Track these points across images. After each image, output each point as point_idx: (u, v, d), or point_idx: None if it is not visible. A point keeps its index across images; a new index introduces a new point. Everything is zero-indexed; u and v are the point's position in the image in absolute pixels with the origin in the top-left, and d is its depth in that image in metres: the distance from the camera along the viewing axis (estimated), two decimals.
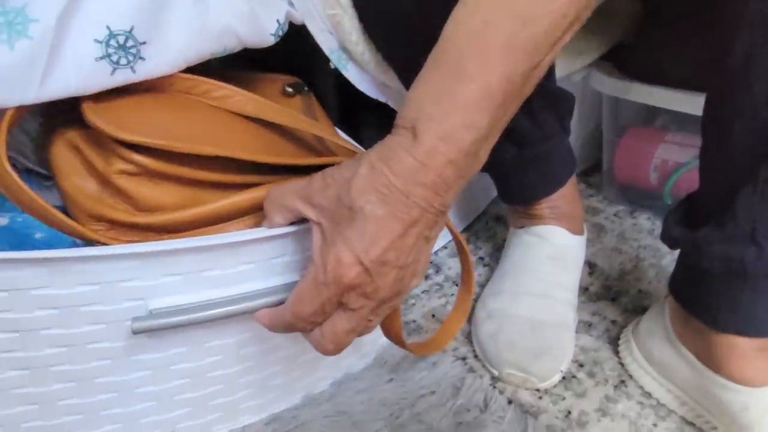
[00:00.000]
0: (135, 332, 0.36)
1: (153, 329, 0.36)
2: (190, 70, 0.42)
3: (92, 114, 0.36)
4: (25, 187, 0.34)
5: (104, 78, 0.37)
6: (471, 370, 0.53)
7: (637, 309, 0.59)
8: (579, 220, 0.60)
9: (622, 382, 0.52)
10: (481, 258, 0.69)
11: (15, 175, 0.34)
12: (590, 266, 0.65)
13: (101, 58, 0.36)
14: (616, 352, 0.55)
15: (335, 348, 0.36)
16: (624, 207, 0.76)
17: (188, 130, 0.39)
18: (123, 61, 0.37)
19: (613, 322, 0.59)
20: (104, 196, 0.37)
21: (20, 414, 0.39)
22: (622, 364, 0.54)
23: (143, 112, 0.39)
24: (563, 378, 0.52)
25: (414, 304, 0.62)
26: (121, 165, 0.37)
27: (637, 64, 0.67)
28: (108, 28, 0.37)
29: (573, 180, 0.59)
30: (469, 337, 0.57)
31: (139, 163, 0.37)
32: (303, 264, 0.41)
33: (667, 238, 0.47)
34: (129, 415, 0.42)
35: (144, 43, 0.38)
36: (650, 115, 0.72)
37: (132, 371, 0.40)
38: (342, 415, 0.47)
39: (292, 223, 0.38)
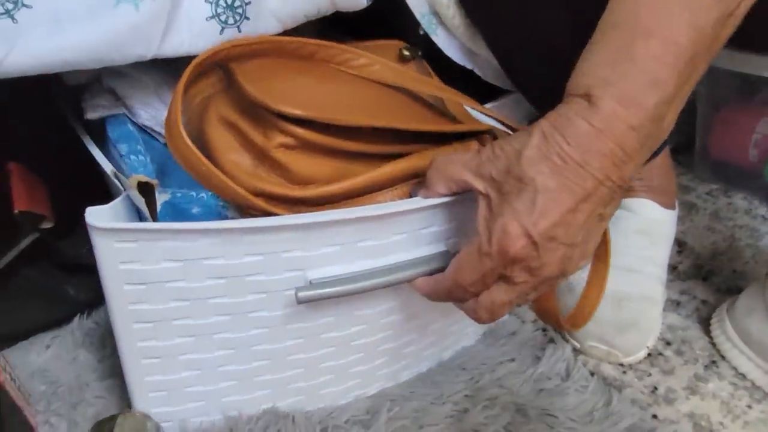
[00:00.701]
0: (300, 302, 0.36)
1: (316, 299, 0.37)
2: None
3: (250, 87, 0.36)
4: (203, 157, 0.35)
5: (213, 37, 0.39)
6: (551, 340, 0.52)
7: (731, 289, 0.57)
8: (671, 194, 0.57)
9: (713, 362, 0.50)
10: None
11: (191, 144, 0.34)
12: (679, 244, 0.63)
13: (211, 17, 0.38)
14: (707, 333, 0.52)
15: (489, 317, 0.35)
16: (718, 186, 0.72)
17: (338, 100, 0.39)
18: (230, 20, 0.39)
19: (704, 302, 0.56)
20: (260, 171, 0.38)
21: (184, 379, 0.41)
22: (713, 344, 0.51)
23: (296, 84, 0.39)
24: (649, 354, 0.51)
25: None
26: (281, 138, 0.37)
27: (740, 31, 0.63)
28: None
29: (667, 151, 0.56)
30: None
31: (299, 136, 0.37)
32: (449, 234, 0.41)
33: None
34: (278, 381, 0.43)
35: (249, 3, 0.39)
36: (750, 88, 0.68)
37: (286, 339, 0.41)
38: (423, 376, 0.48)
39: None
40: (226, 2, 0.39)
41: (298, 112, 0.36)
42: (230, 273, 0.37)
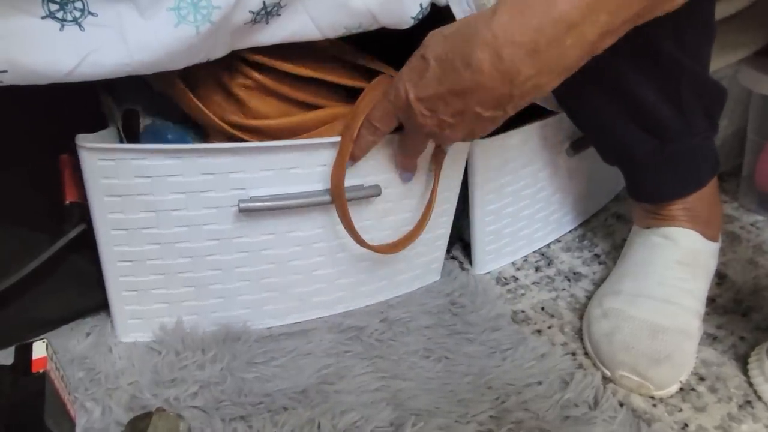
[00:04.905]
0: (241, 211, 0.46)
1: (254, 210, 0.47)
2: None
3: None
4: (189, 92, 0.45)
5: (250, 38, 0.42)
6: (580, 366, 0.52)
7: None
8: (716, 226, 0.56)
9: (748, 402, 0.49)
10: (597, 255, 0.66)
11: (182, 84, 0.45)
12: (720, 277, 0.61)
13: (249, 22, 0.40)
14: (743, 371, 0.51)
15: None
16: (763, 218, 0.70)
17: (293, 57, 0.47)
18: (262, 21, 0.41)
19: (742, 338, 0.55)
20: (226, 105, 0.47)
21: (150, 282, 0.49)
22: (749, 383, 0.50)
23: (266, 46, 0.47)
24: (681, 389, 0.50)
25: (523, 295, 0.61)
26: (242, 79, 0.47)
27: None
28: (263, 2, 0.40)
29: (714, 182, 0.55)
30: (579, 333, 0.56)
31: (255, 79, 0.46)
32: (367, 169, 0.51)
33: None
34: (228, 291, 0.52)
35: (285, 6, 0.42)
36: None
37: (233, 252, 0.50)
38: (449, 393, 0.48)
39: None
40: (265, 10, 0.40)
41: (254, 56, 0.45)
42: (188, 189, 0.46)
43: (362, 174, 0.50)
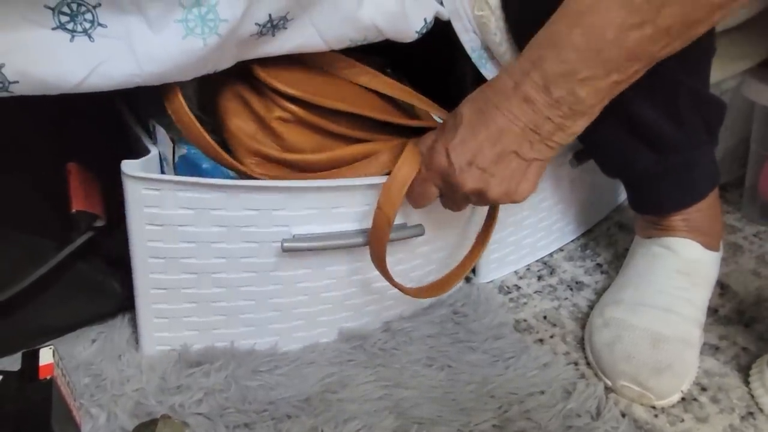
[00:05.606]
0: (285, 251, 0.46)
1: (297, 250, 0.47)
2: None
3: (261, 71, 0.45)
4: (200, 127, 0.43)
5: (253, 49, 0.42)
6: (582, 376, 0.52)
7: None
8: (716, 236, 0.56)
9: (751, 413, 0.49)
10: (599, 265, 0.67)
11: (193, 117, 0.43)
12: (722, 287, 0.61)
13: (255, 34, 0.41)
14: (745, 381, 0.51)
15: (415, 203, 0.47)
16: (766, 228, 0.70)
17: (330, 92, 0.48)
18: (268, 34, 0.42)
19: (744, 349, 0.55)
20: (259, 136, 0.46)
21: (183, 309, 0.49)
22: (752, 395, 0.50)
23: (297, 75, 0.48)
24: (683, 399, 0.50)
25: (526, 304, 0.61)
26: (278, 112, 0.46)
27: None
28: (270, 15, 0.41)
29: (715, 193, 0.55)
30: (581, 343, 0.56)
31: (293, 112, 0.46)
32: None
33: None
34: (259, 320, 0.51)
35: (292, 20, 0.42)
36: None
37: (269, 284, 0.50)
38: (452, 402, 0.49)
39: None
40: (272, 24, 0.40)
41: (291, 90, 0.45)
42: (230, 223, 0.46)
43: (405, 212, 0.50)
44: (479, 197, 0.43)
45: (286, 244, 0.46)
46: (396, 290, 0.50)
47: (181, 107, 0.43)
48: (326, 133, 0.47)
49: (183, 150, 0.48)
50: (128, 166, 0.43)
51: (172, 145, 0.49)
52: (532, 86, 0.39)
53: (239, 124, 0.46)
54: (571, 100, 0.39)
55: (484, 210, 0.55)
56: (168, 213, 0.44)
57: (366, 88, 0.51)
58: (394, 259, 0.52)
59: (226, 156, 0.45)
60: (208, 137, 0.43)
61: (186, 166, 0.49)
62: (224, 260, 0.47)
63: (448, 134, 0.42)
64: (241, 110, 0.47)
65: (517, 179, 0.42)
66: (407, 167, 0.45)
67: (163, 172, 0.49)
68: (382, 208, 0.45)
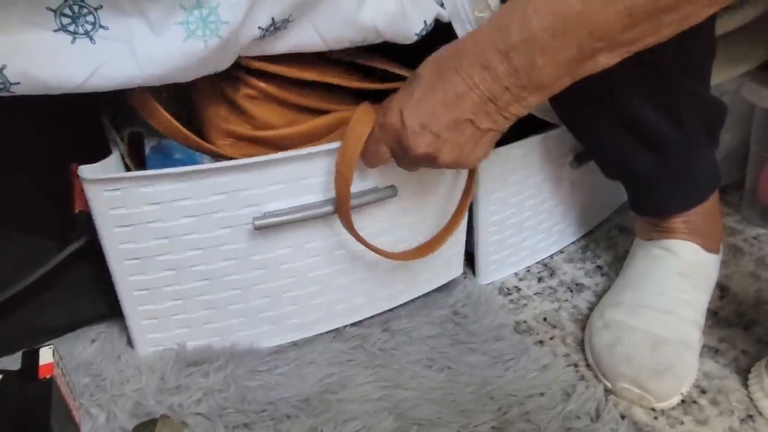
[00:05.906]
0: (257, 228, 0.45)
1: (270, 226, 0.46)
2: None
3: None
4: (173, 120, 0.44)
5: (255, 48, 0.43)
6: (582, 378, 0.52)
7: None
8: (716, 239, 0.56)
9: (750, 416, 0.49)
10: (600, 267, 0.67)
11: (166, 113, 0.43)
12: (722, 289, 0.61)
13: (258, 38, 0.41)
14: (745, 384, 0.51)
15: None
16: (766, 230, 0.70)
17: (296, 63, 0.47)
18: (270, 36, 0.42)
19: (744, 351, 0.55)
20: (232, 117, 0.47)
21: (169, 308, 0.48)
22: (751, 398, 0.50)
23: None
24: (682, 401, 0.50)
25: (526, 305, 0.61)
26: (246, 90, 0.46)
27: None
28: (272, 18, 0.41)
29: (715, 196, 0.55)
30: (581, 344, 0.56)
31: (260, 89, 0.46)
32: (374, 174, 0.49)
33: None
34: (249, 309, 0.51)
35: (292, 21, 0.42)
36: None
37: (251, 270, 0.49)
38: (451, 403, 0.49)
39: None
40: (274, 27, 0.41)
41: (256, 64, 0.44)
42: (199, 211, 0.45)
43: (376, 175, 0.50)
44: (430, 162, 0.43)
45: (257, 222, 0.45)
46: (386, 266, 0.50)
47: (145, 97, 0.43)
48: (296, 107, 0.47)
49: (154, 141, 0.48)
50: (85, 170, 0.42)
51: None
52: (494, 51, 0.38)
53: (209, 105, 0.46)
54: (530, 69, 0.38)
55: (465, 174, 0.54)
56: (134, 212, 0.43)
57: (334, 60, 0.50)
58: (376, 229, 0.51)
59: (196, 138, 0.44)
60: (175, 122, 0.43)
61: (158, 158, 0.48)
62: (200, 251, 0.46)
63: (404, 94, 0.42)
64: (210, 91, 0.46)
65: (470, 147, 0.42)
66: (360, 126, 0.44)
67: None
68: (340, 170, 0.44)
